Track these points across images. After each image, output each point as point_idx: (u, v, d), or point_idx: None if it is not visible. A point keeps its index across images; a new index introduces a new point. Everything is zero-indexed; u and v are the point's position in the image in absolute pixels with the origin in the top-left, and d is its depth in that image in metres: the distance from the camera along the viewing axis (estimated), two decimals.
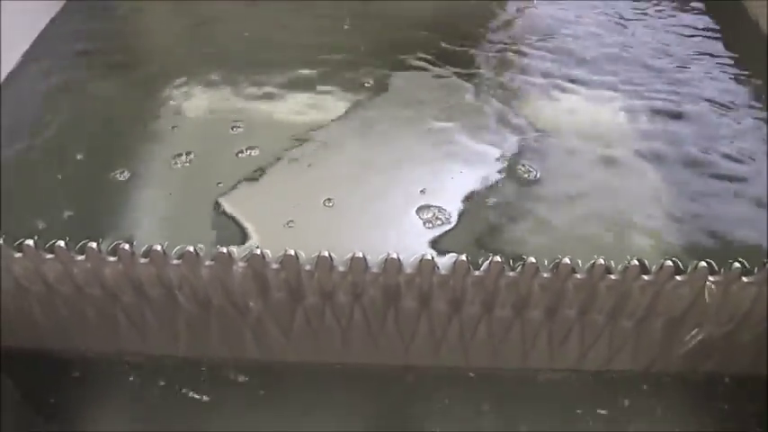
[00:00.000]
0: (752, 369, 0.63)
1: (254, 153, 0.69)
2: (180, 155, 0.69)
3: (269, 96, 0.78)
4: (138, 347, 0.67)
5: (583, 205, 0.63)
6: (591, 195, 0.65)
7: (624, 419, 0.64)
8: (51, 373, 0.69)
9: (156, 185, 0.66)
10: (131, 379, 0.68)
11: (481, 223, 0.61)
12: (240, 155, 0.69)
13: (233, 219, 0.61)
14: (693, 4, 0.93)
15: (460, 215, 0.61)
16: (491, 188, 0.65)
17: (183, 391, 0.67)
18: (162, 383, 0.68)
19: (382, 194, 0.64)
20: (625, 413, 0.64)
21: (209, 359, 0.67)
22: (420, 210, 0.62)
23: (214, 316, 0.62)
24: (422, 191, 0.64)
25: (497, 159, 0.69)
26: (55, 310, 0.64)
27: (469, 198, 0.64)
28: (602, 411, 0.64)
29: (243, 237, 0.60)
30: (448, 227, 0.60)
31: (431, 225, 0.60)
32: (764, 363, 0.62)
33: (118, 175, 0.67)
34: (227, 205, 0.63)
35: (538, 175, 0.67)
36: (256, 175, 0.67)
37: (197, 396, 0.66)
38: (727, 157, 0.69)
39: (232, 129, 0.73)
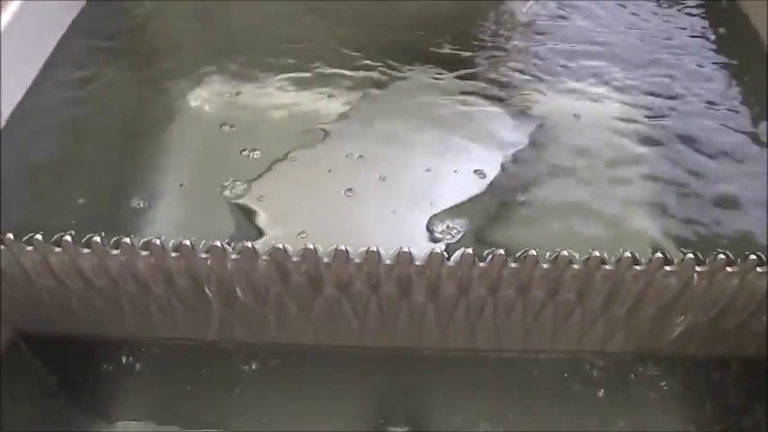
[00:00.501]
0: (736, 351, 0.69)
1: (257, 154, 0.74)
2: (197, 152, 0.74)
3: (279, 94, 0.82)
4: (169, 333, 0.73)
5: (579, 206, 0.68)
6: (588, 196, 0.69)
7: (620, 398, 0.70)
8: (86, 357, 0.75)
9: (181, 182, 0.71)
10: (162, 361, 0.74)
11: (480, 223, 0.66)
12: (244, 152, 0.74)
13: (250, 213, 0.66)
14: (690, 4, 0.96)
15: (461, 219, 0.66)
16: (489, 188, 0.70)
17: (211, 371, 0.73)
18: (189, 365, 0.73)
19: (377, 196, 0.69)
20: (619, 392, 0.70)
21: (235, 343, 0.73)
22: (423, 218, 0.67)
23: (239, 304, 0.67)
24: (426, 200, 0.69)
25: (495, 160, 0.73)
26: (91, 300, 0.69)
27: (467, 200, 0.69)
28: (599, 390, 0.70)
29: (259, 231, 0.65)
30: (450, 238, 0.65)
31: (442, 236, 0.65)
32: (747, 345, 0.67)
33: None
34: (243, 200, 0.68)
35: (535, 174, 0.72)
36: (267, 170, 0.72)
37: (227, 375, 0.72)
38: (718, 155, 0.73)
39: (229, 127, 0.77)
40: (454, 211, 0.67)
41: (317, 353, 0.73)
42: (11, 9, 0.77)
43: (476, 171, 0.71)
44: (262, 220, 0.66)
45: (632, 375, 0.71)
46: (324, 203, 0.68)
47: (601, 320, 0.66)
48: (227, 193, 0.69)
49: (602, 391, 0.71)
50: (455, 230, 0.65)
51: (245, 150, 0.74)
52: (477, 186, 0.70)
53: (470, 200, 0.68)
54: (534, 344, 0.70)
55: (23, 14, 0.79)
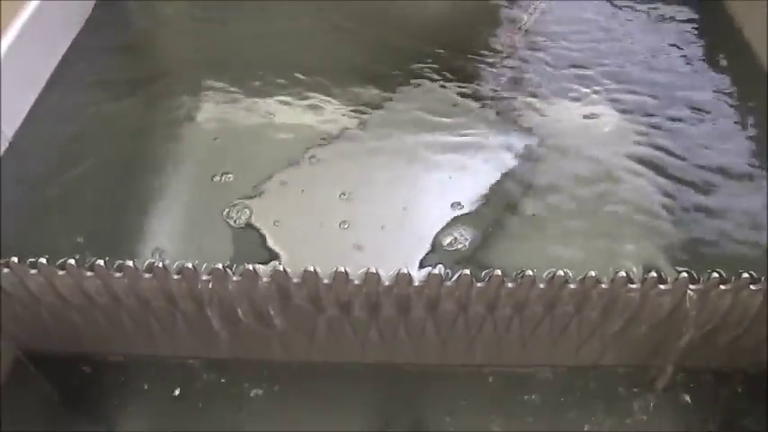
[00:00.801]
0: (730, 365, 0.70)
1: (260, 166, 0.75)
2: (195, 169, 0.75)
3: (272, 113, 0.83)
4: (171, 351, 0.74)
5: (577, 218, 0.69)
6: (586, 207, 0.70)
7: (616, 409, 0.71)
8: (90, 374, 0.76)
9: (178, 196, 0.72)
10: (163, 378, 0.75)
11: (478, 239, 0.67)
12: (245, 167, 0.75)
13: (253, 228, 0.67)
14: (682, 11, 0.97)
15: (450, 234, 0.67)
16: (487, 203, 0.71)
17: (214, 387, 0.74)
18: (192, 382, 0.74)
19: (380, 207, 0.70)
20: (616, 404, 0.71)
21: (237, 360, 0.74)
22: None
23: (241, 324, 0.68)
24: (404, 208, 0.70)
25: (493, 171, 0.74)
26: (94, 320, 0.70)
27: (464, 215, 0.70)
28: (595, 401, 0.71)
29: (262, 244, 0.66)
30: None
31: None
32: (741, 359, 0.68)
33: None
34: (246, 215, 0.69)
35: (534, 187, 0.73)
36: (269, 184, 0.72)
37: (229, 391, 0.73)
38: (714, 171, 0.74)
39: (214, 139, 0.78)
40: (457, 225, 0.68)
41: (319, 369, 0.74)
42: (10, 35, 0.78)
43: (472, 186, 0.73)
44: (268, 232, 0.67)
45: (628, 388, 0.72)
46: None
47: (597, 336, 0.67)
48: (226, 214, 0.70)
49: (598, 403, 0.72)
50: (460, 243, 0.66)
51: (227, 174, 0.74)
52: (474, 200, 0.71)
53: (469, 213, 0.69)
54: (532, 358, 0.71)
55: (22, 40, 0.80)
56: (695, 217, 0.69)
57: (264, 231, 0.67)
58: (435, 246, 0.65)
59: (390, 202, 0.70)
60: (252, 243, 0.66)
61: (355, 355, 0.72)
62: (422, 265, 0.63)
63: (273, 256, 0.64)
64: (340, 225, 0.68)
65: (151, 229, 0.68)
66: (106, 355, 0.76)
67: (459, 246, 0.65)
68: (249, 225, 0.68)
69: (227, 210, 0.70)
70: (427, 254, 0.64)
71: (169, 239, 0.67)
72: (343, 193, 0.71)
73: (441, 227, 0.67)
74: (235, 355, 0.73)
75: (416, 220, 0.68)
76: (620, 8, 0.98)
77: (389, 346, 0.71)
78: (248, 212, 0.69)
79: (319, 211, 0.69)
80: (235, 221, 0.68)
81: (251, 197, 0.71)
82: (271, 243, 0.66)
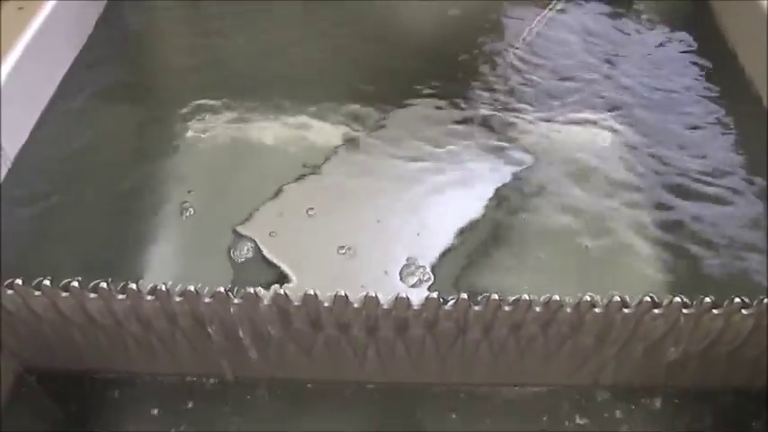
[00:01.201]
0: (723, 384, 0.71)
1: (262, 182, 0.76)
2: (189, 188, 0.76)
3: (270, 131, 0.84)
4: (172, 369, 0.75)
5: (571, 238, 0.70)
6: (580, 226, 0.71)
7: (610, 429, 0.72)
8: (92, 391, 0.76)
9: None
10: (164, 395, 0.76)
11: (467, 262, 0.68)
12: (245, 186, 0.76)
13: (251, 243, 0.68)
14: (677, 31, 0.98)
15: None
16: (483, 220, 0.72)
17: (215, 405, 0.75)
18: (193, 399, 0.75)
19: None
20: (609, 424, 0.72)
21: (237, 378, 0.75)
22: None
23: (242, 344, 0.69)
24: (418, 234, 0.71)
25: (488, 193, 0.75)
26: (97, 339, 0.71)
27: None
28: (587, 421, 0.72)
29: (261, 263, 0.67)
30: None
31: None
32: (733, 379, 0.70)
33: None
34: (244, 233, 0.70)
35: (529, 208, 0.74)
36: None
37: (230, 408, 0.74)
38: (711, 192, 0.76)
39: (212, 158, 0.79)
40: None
41: (318, 387, 0.75)
42: (13, 56, 0.79)
43: (470, 203, 0.74)
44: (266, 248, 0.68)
45: (623, 407, 0.73)
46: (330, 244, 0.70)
47: (592, 357, 0.68)
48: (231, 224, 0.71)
49: (593, 422, 0.73)
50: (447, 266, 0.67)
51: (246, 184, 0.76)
52: (472, 215, 0.72)
53: (468, 227, 0.71)
54: (528, 378, 0.72)
55: (24, 60, 0.80)
56: (690, 238, 0.70)
57: (261, 247, 0.68)
58: (419, 268, 0.67)
59: (376, 222, 0.72)
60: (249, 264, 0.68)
61: (354, 374, 0.73)
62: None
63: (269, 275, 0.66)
64: (338, 250, 0.69)
65: (149, 249, 0.69)
66: (108, 372, 0.76)
67: (447, 269, 0.67)
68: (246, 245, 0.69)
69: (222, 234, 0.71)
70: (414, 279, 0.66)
71: (168, 260, 0.68)
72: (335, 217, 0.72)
73: (430, 249, 0.69)
74: (236, 373, 0.74)
75: (403, 242, 0.69)
76: (617, 30, 0.99)
77: (388, 366, 0.72)
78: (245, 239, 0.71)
79: (316, 232, 0.70)
80: (234, 252, 0.70)
81: (245, 220, 0.72)
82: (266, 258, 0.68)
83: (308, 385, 0.75)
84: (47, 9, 0.87)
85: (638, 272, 0.67)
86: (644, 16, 1.00)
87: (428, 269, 0.67)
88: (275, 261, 0.68)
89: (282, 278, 0.66)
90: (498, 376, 0.72)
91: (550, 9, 1.00)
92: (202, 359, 0.72)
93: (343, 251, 0.68)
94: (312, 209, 0.73)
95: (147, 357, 0.73)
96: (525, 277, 0.66)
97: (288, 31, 1.01)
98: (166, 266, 0.68)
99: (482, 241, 0.70)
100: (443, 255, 0.68)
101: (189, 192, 0.76)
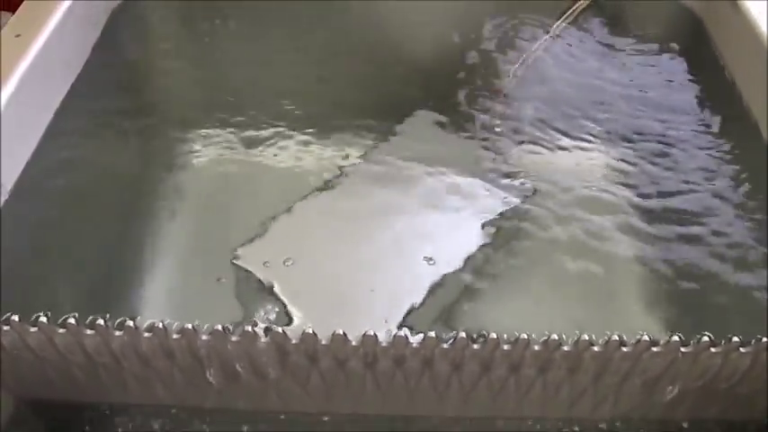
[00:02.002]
0: (720, 417, 0.71)
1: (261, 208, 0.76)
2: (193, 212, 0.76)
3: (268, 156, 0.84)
4: (170, 401, 0.74)
5: (566, 269, 0.70)
6: (576, 256, 0.72)
7: None
8: (89, 423, 0.76)
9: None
10: (164, 426, 0.75)
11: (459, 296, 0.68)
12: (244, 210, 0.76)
13: (249, 274, 0.68)
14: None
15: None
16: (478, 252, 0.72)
17: None
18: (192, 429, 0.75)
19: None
20: None
21: (234, 411, 0.74)
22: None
23: (239, 379, 0.69)
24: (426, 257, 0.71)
25: (482, 223, 0.75)
26: (94, 372, 0.71)
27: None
28: None
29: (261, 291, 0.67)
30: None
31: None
32: (730, 413, 0.70)
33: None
34: (242, 261, 0.70)
35: (523, 238, 0.74)
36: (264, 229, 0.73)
37: None
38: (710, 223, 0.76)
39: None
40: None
41: (315, 419, 0.75)
42: (9, 86, 0.79)
43: (464, 234, 0.74)
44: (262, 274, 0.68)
45: None
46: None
47: (589, 393, 0.68)
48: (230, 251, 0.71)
49: None
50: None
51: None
52: (467, 246, 0.72)
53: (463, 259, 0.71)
54: (526, 412, 0.72)
55: (20, 90, 0.80)
56: (689, 271, 0.71)
57: (261, 278, 0.68)
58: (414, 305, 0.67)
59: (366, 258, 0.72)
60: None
61: (350, 407, 0.73)
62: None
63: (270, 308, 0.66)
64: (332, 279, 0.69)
65: (148, 279, 0.69)
66: (106, 403, 0.76)
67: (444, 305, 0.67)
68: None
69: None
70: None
71: (165, 291, 0.68)
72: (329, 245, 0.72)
73: (425, 284, 0.69)
74: (233, 405, 0.74)
75: (397, 278, 0.70)
76: (614, 56, 0.99)
77: (385, 399, 0.72)
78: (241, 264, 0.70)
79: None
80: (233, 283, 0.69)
81: (244, 249, 0.72)
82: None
83: (304, 416, 0.74)
84: (44, 36, 0.87)
85: (636, 307, 0.67)
86: (641, 44, 1.01)
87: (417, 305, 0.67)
88: (277, 293, 0.68)
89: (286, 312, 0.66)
90: (496, 410, 0.72)
91: (548, 34, 1.00)
92: (200, 391, 0.72)
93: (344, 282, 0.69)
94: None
95: (146, 390, 0.73)
96: (522, 313, 0.66)
97: (287, 51, 1.01)
98: (163, 298, 0.68)
99: (477, 273, 0.70)
100: (436, 289, 0.68)
101: (188, 219, 0.76)
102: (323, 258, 0.70)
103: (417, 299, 0.67)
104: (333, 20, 1.03)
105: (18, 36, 0.85)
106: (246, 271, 0.69)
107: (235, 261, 0.70)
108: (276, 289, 0.68)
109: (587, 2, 0.95)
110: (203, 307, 0.66)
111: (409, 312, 0.66)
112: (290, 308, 0.67)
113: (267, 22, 1.02)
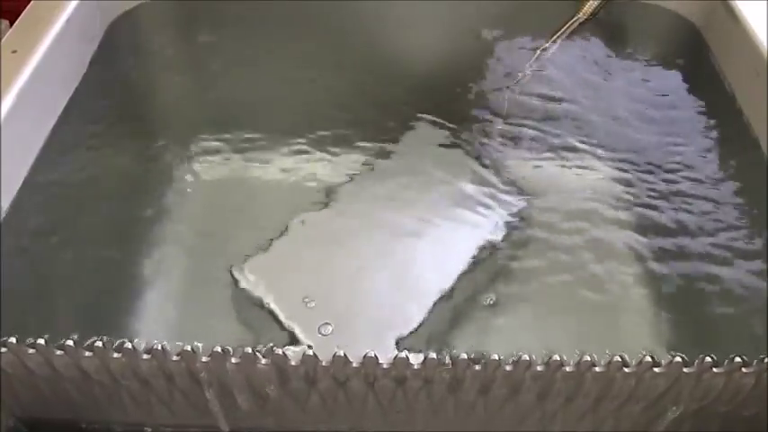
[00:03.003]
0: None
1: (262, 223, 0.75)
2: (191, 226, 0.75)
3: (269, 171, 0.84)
4: (168, 420, 0.74)
5: (567, 287, 0.70)
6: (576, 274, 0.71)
7: None
8: None
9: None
10: None
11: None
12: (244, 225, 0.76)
13: (249, 292, 0.68)
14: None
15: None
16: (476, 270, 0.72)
17: None
18: None
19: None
20: None
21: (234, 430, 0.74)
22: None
23: (239, 401, 0.68)
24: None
25: (480, 241, 0.75)
26: (92, 394, 0.70)
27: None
28: None
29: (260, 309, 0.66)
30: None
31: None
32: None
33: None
34: (242, 279, 0.70)
35: (522, 255, 0.74)
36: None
37: None
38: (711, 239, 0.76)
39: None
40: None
41: None
42: (6, 102, 0.78)
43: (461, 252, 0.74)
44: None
45: None
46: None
47: (590, 413, 0.68)
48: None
49: None
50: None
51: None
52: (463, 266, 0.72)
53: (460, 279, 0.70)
54: (523, 427, 0.72)
55: (18, 106, 0.80)
56: (690, 287, 0.70)
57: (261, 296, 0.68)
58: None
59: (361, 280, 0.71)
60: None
61: (350, 425, 0.73)
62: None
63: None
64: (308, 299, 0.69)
65: (147, 298, 0.69)
66: (105, 423, 0.76)
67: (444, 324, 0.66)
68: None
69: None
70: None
71: (164, 310, 0.68)
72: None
73: (425, 303, 0.68)
74: (232, 426, 0.73)
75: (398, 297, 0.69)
76: (612, 70, 0.99)
77: (385, 417, 0.71)
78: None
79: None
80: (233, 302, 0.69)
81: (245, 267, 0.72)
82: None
83: None
84: (41, 51, 0.86)
85: (637, 325, 0.67)
86: (639, 56, 1.01)
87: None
88: (276, 312, 0.68)
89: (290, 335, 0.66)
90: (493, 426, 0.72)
91: (546, 49, 1.00)
92: (199, 413, 0.71)
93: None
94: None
95: (144, 411, 0.72)
96: (523, 333, 0.66)
97: (285, 67, 1.01)
98: (163, 318, 0.68)
99: (476, 291, 0.70)
100: (435, 308, 0.68)
101: (186, 236, 0.75)
102: (322, 278, 0.70)
103: (417, 318, 0.67)
104: (331, 33, 1.02)
105: (14, 52, 0.84)
106: (245, 290, 0.68)
107: (234, 277, 0.69)
108: (275, 309, 0.67)
109: (586, 16, 0.95)
110: (202, 327, 0.66)
111: (409, 333, 0.66)
112: (289, 327, 0.66)
113: (265, 37, 1.02)
